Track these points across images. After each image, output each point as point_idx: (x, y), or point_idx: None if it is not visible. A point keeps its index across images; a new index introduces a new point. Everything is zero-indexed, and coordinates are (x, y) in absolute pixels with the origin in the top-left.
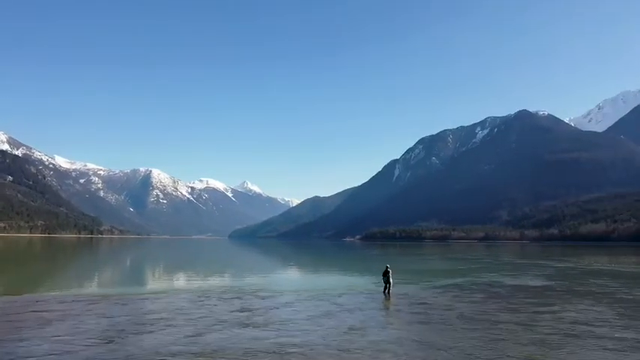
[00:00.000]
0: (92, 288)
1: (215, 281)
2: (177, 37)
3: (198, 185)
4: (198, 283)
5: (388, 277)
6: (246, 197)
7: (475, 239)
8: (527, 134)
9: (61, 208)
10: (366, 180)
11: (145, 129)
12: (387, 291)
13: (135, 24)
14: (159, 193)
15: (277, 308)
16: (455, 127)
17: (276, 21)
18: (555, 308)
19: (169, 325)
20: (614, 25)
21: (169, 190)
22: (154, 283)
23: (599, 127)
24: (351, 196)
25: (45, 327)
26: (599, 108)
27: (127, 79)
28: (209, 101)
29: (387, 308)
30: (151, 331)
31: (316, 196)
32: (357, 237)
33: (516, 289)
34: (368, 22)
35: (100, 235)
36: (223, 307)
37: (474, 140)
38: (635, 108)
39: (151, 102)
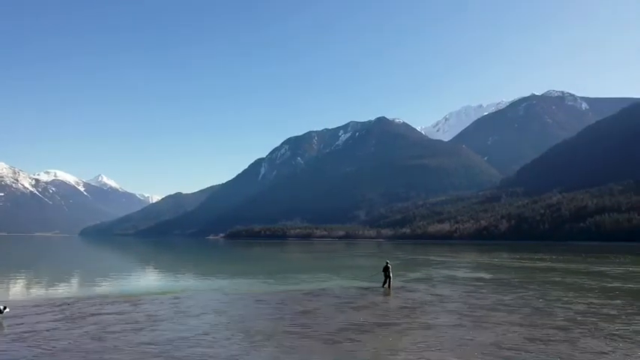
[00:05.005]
0: (78, 289)
1: (185, 282)
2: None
3: (44, 177)
4: (174, 283)
5: (388, 272)
6: (100, 192)
7: (336, 237)
8: (384, 140)
9: None
10: (232, 177)
11: None
12: (386, 285)
13: None
14: None
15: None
16: (320, 129)
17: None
18: (547, 293)
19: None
20: (460, 47)
21: (8, 182)
22: (131, 284)
23: (446, 137)
24: (216, 193)
25: (158, 328)
26: (446, 119)
27: None
28: (58, 86)
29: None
30: (284, 329)
31: (178, 193)
32: (221, 235)
33: (483, 281)
34: (233, 9)
35: None
36: (263, 306)
37: (337, 143)
38: (475, 121)
39: None
